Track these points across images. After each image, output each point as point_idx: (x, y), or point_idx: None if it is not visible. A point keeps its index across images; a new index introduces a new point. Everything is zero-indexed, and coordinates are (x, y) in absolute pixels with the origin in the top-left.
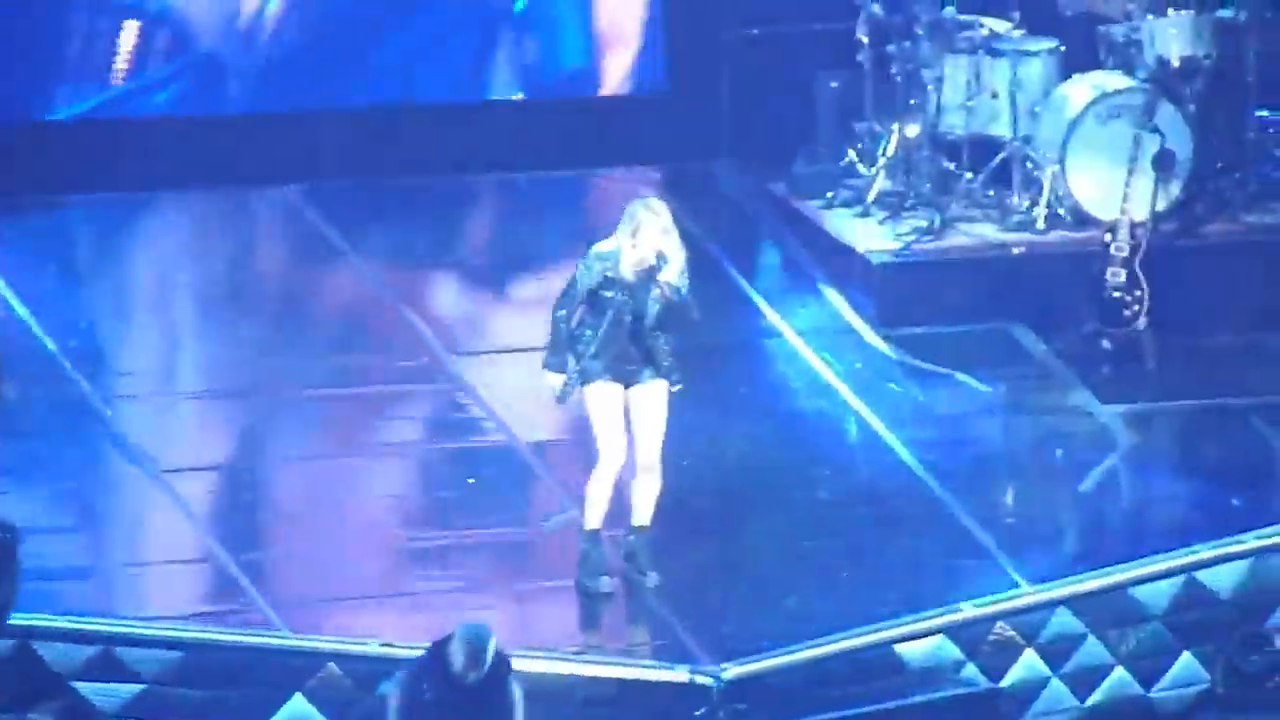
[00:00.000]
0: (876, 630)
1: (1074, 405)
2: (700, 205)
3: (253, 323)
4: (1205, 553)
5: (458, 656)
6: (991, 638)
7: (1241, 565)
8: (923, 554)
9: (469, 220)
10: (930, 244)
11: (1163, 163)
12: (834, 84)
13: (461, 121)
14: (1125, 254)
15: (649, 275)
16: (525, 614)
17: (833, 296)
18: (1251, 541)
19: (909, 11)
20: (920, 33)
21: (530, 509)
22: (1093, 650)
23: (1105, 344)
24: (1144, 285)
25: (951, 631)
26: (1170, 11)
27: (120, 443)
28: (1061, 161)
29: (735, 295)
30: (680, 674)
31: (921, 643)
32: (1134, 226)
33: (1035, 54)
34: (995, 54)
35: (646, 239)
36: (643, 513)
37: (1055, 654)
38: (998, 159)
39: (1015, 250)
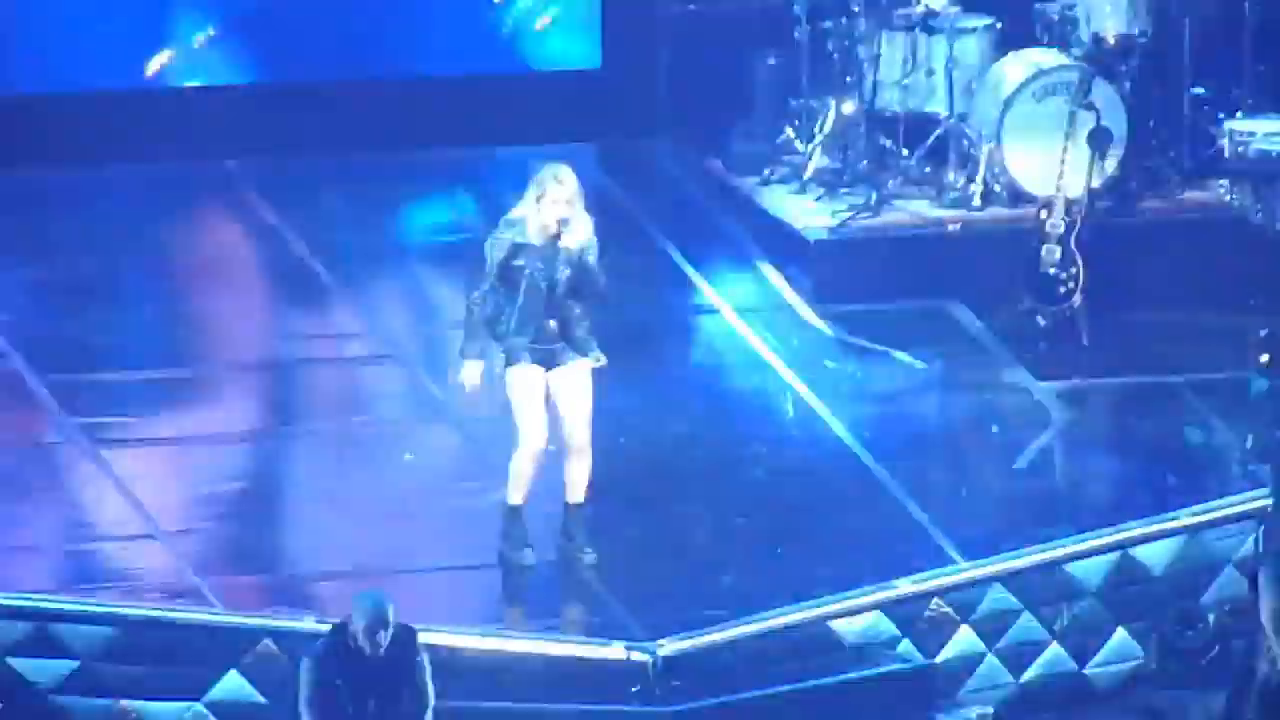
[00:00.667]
0: (812, 607)
1: (1010, 382)
2: (636, 182)
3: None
4: (1140, 529)
5: (358, 626)
6: (927, 614)
7: (1176, 542)
8: (858, 530)
9: (391, 198)
10: (867, 221)
11: (1098, 140)
12: (771, 60)
13: (394, 97)
14: (1060, 231)
15: (555, 240)
16: (455, 591)
17: (769, 273)
18: (1186, 518)
19: None
20: (856, 9)
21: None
22: (1028, 626)
23: (1040, 321)
24: (1079, 262)
25: (887, 608)
26: None
27: (55, 418)
28: (997, 139)
29: (672, 272)
30: (616, 650)
31: (857, 619)
32: (1069, 204)
33: (971, 31)
34: (931, 31)
35: (550, 206)
36: (577, 491)
37: (990, 630)
38: (934, 136)
39: (951, 227)
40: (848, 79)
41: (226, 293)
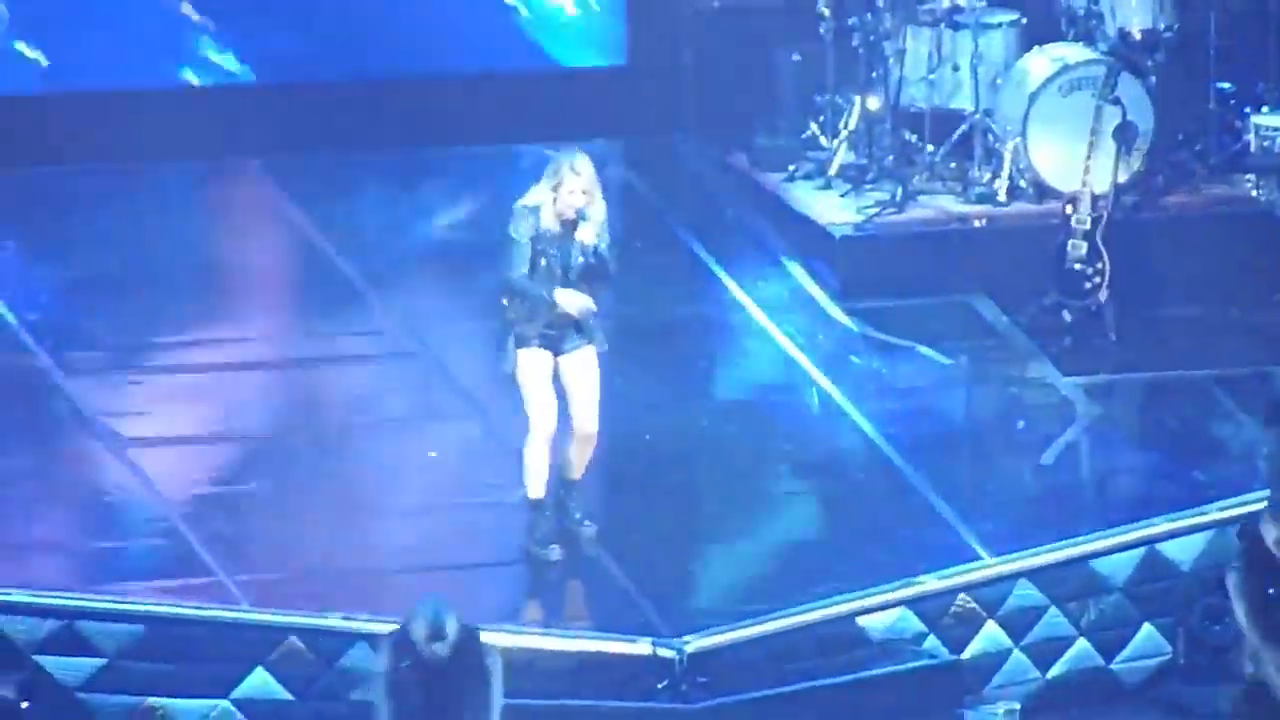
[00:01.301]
0: (838, 603)
1: (1035, 377)
2: (662, 178)
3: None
4: (1166, 524)
5: (419, 633)
6: (953, 610)
7: (1202, 537)
8: (884, 526)
9: (424, 194)
10: (892, 216)
11: (1124, 135)
12: (796, 57)
13: (419, 94)
14: (1086, 226)
15: (571, 228)
16: (483, 589)
17: (795, 269)
18: (1213, 513)
19: None
20: (882, 5)
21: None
22: (1054, 622)
23: (1066, 316)
24: (1105, 257)
25: (913, 603)
26: None
27: (82, 416)
28: (1023, 134)
29: (697, 269)
30: (643, 646)
31: (883, 615)
32: (1095, 199)
33: (997, 26)
34: (957, 26)
35: (566, 196)
36: (575, 468)
37: (1017, 626)
38: (959, 132)
39: (977, 223)
40: (873, 75)
41: (251, 290)
